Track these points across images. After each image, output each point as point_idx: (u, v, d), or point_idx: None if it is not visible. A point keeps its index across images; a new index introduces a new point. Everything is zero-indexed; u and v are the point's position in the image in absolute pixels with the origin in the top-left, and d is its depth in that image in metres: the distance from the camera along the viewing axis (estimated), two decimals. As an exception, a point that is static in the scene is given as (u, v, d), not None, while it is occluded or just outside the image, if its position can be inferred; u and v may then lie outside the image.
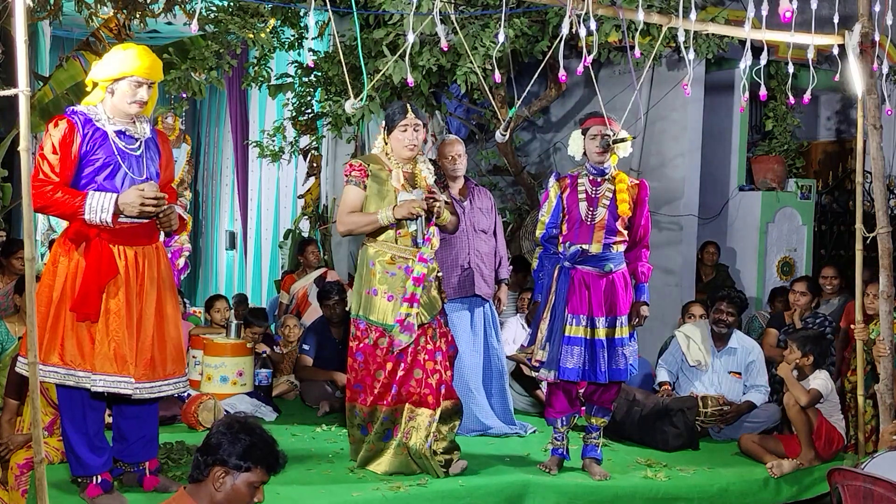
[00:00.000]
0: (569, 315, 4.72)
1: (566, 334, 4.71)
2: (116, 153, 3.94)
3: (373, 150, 4.79)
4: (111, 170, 3.92)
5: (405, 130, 4.59)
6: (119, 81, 3.92)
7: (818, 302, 6.84)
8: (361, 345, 4.60)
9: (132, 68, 3.91)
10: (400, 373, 4.56)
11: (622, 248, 4.81)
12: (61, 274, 3.88)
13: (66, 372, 3.84)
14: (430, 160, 4.80)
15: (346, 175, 4.62)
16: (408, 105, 4.62)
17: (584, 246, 4.73)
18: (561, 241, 4.82)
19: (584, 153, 4.78)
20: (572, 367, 4.70)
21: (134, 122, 4.03)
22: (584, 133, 4.76)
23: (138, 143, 4.03)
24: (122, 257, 3.93)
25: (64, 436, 4.02)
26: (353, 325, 4.65)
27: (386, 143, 4.67)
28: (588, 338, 4.71)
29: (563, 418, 4.88)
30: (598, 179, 4.78)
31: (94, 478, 4.00)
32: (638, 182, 4.92)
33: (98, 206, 3.82)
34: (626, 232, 4.80)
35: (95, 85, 3.99)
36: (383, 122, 4.69)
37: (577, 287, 4.73)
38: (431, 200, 4.49)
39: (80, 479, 4.03)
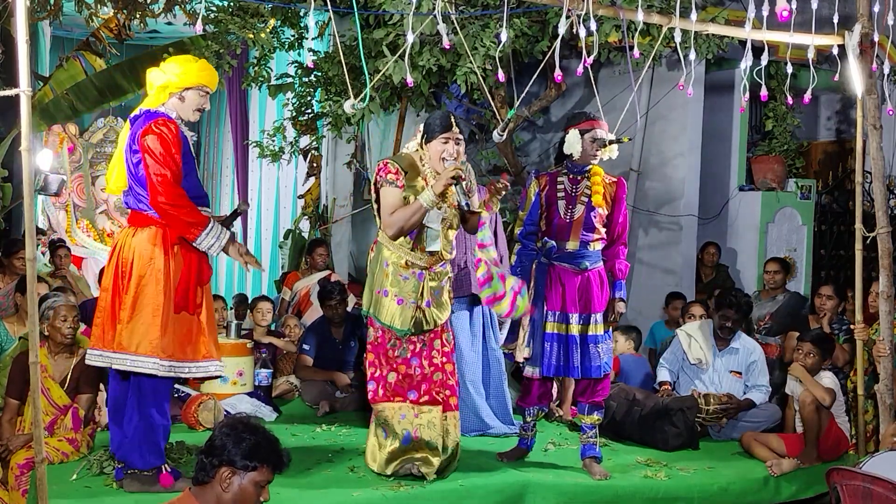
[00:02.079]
0: (547, 311, 4.80)
1: (545, 331, 4.80)
2: (195, 161, 4.25)
3: (405, 150, 4.68)
4: (196, 179, 4.20)
5: (446, 143, 4.47)
6: (189, 90, 4.18)
7: (845, 307, 6.77)
8: (375, 344, 4.56)
9: (205, 79, 4.22)
10: (416, 377, 4.52)
11: (599, 246, 4.87)
12: (165, 271, 4.05)
13: (170, 364, 4.05)
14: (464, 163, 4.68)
15: (381, 177, 4.46)
16: (451, 117, 4.51)
17: (561, 243, 4.79)
18: (540, 237, 4.88)
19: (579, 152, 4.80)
20: (552, 363, 4.79)
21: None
22: (582, 133, 4.77)
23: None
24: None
25: (144, 429, 4.11)
26: (368, 321, 4.61)
27: (421, 149, 4.56)
28: (562, 333, 4.78)
29: (531, 409, 5.00)
30: (578, 178, 4.84)
31: (164, 467, 4.15)
32: (616, 179, 4.96)
33: (213, 235, 4.08)
34: (603, 230, 4.85)
35: (155, 90, 4.19)
36: (421, 127, 4.60)
37: (552, 283, 4.81)
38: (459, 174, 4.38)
39: (147, 473, 4.12)
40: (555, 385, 6.30)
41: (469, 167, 4.56)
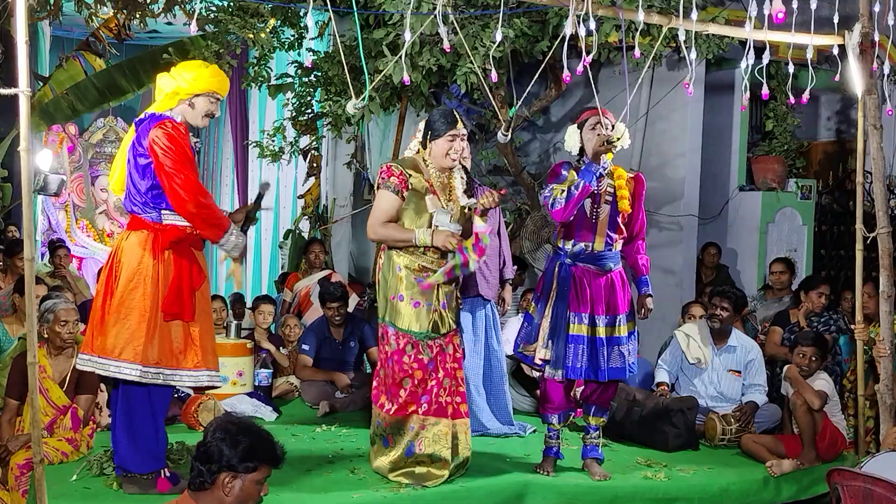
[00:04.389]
0: (571, 313, 4.69)
1: (570, 333, 4.68)
2: (198, 167, 4.25)
3: (407, 152, 4.66)
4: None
5: (452, 140, 4.43)
6: (199, 96, 4.14)
7: (841, 303, 6.77)
8: (390, 351, 4.49)
9: (216, 85, 4.17)
10: (431, 382, 4.46)
11: (619, 246, 4.80)
12: (154, 276, 4.01)
13: (157, 371, 4.01)
14: (462, 167, 4.71)
15: (383, 179, 4.42)
16: (455, 113, 4.48)
17: (587, 243, 4.70)
18: (562, 237, 4.77)
19: (582, 148, 4.72)
20: (579, 366, 4.67)
21: None
22: (580, 126, 4.71)
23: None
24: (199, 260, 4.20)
25: (135, 435, 4.10)
26: (381, 329, 4.55)
27: (424, 149, 4.53)
28: (589, 336, 4.69)
29: (560, 415, 4.85)
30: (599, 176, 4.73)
31: (163, 471, 4.13)
32: (634, 176, 4.89)
33: (234, 237, 4.12)
34: (624, 228, 4.78)
35: (164, 95, 4.16)
36: (421, 126, 4.57)
37: (577, 285, 4.70)
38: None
39: (145, 477, 4.11)
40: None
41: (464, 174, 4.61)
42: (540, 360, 4.73)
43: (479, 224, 4.39)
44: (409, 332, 4.43)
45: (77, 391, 4.90)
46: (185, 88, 4.13)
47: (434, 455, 4.44)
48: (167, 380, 4.05)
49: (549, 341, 4.70)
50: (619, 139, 4.61)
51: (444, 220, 4.42)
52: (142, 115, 4.18)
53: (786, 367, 5.44)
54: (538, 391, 6.22)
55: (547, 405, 4.86)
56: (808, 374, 5.27)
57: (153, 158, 4.00)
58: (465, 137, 4.50)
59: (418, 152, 4.57)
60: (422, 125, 4.60)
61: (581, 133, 4.70)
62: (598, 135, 4.60)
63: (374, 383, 4.63)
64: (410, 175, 4.44)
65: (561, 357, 4.68)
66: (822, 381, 5.27)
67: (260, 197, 4.46)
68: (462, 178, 4.62)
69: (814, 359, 5.28)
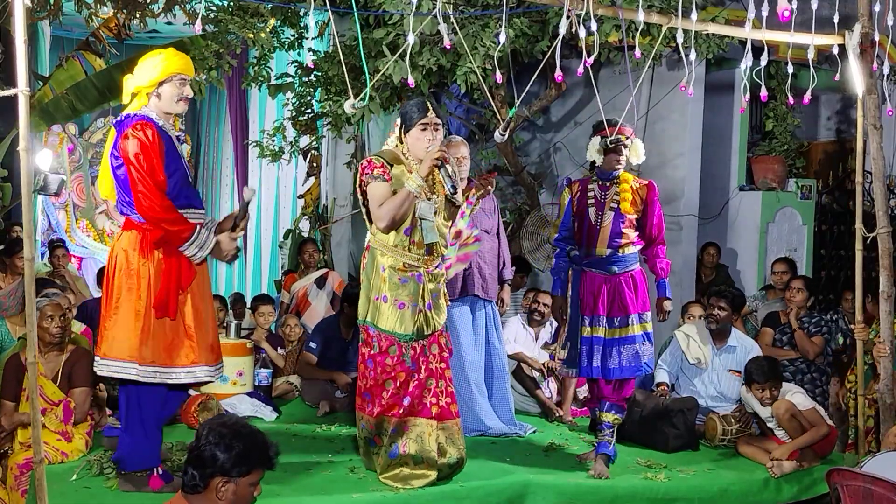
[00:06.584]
0: (582, 316, 4.94)
1: (582, 335, 4.92)
2: (181, 159, 4.12)
3: (385, 146, 4.60)
4: (182, 177, 4.08)
5: (425, 129, 4.40)
6: (164, 84, 4.06)
7: (814, 301, 6.82)
8: (371, 352, 4.45)
9: (176, 67, 4.08)
10: (412, 384, 4.41)
11: (632, 249, 4.95)
12: (145, 275, 4.00)
13: (154, 370, 4.00)
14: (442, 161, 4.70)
15: (368, 173, 4.38)
16: (427, 103, 4.45)
17: (591, 249, 4.90)
18: (574, 242, 5.03)
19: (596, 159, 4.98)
20: (587, 365, 4.91)
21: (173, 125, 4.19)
22: (604, 141, 4.89)
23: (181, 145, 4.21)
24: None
25: (132, 433, 4.11)
26: (363, 331, 4.50)
27: (401, 143, 4.50)
28: (597, 336, 4.89)
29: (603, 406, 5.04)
30: (607, 184, 4.95)
31: (156, 469, 4.13)
32: (646, 183, 5.05)
33: (197, 245, 4.04)
34: (634, 234, 4.92)
35: (134, 95, 4.11)
36: (398, 120, 4.53)
37: (585, 288, 4.93)
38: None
39: (139, 474, 4.12)
40: (554, 384, 6.32)
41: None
42: (559, 360, 5.02)
43: (461, 223, 4.49)
44: (392, 333, 4.38)
45: (70, 385, 4.89)
46: (148, 82, 4.07)
47: (417, 457, 4.39)
48: (163, 378, 4.04)
49: (568, 342, 4.99)
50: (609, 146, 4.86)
51: (426, 210, 4.39)
52: (120, 117, 4.12)
53: (748, 399, 5.46)
54: (538, 391, 6.26)
55: (593, 401, 5.12)
56: (773, 400, 5.28)
57: (125, 165, 3.96)
58: (440, 126, 4.43)
59: (396, 146, 4.52)
60: (398, 120, 4.56)
61: (604, 150, 4.89)
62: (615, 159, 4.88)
63: (359, 383, 4.56)
64: (392, 166, 4.41)
65: (574, 357, 4.94)
66: (793, 393, 5.32)
67: (247, 205, 4.39)
68: (447, 169, 4.58)
69: (773, 389, 5.29)
